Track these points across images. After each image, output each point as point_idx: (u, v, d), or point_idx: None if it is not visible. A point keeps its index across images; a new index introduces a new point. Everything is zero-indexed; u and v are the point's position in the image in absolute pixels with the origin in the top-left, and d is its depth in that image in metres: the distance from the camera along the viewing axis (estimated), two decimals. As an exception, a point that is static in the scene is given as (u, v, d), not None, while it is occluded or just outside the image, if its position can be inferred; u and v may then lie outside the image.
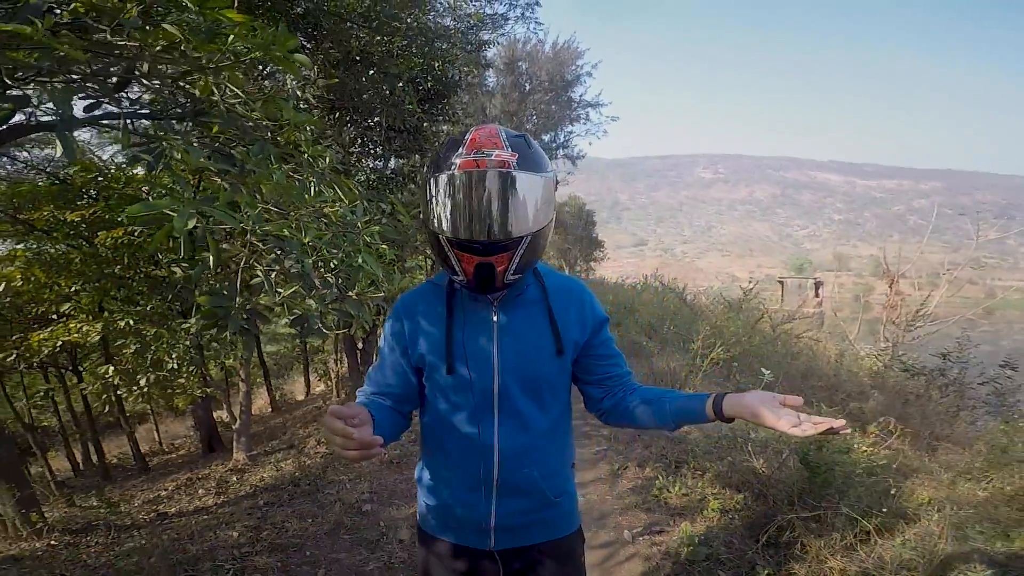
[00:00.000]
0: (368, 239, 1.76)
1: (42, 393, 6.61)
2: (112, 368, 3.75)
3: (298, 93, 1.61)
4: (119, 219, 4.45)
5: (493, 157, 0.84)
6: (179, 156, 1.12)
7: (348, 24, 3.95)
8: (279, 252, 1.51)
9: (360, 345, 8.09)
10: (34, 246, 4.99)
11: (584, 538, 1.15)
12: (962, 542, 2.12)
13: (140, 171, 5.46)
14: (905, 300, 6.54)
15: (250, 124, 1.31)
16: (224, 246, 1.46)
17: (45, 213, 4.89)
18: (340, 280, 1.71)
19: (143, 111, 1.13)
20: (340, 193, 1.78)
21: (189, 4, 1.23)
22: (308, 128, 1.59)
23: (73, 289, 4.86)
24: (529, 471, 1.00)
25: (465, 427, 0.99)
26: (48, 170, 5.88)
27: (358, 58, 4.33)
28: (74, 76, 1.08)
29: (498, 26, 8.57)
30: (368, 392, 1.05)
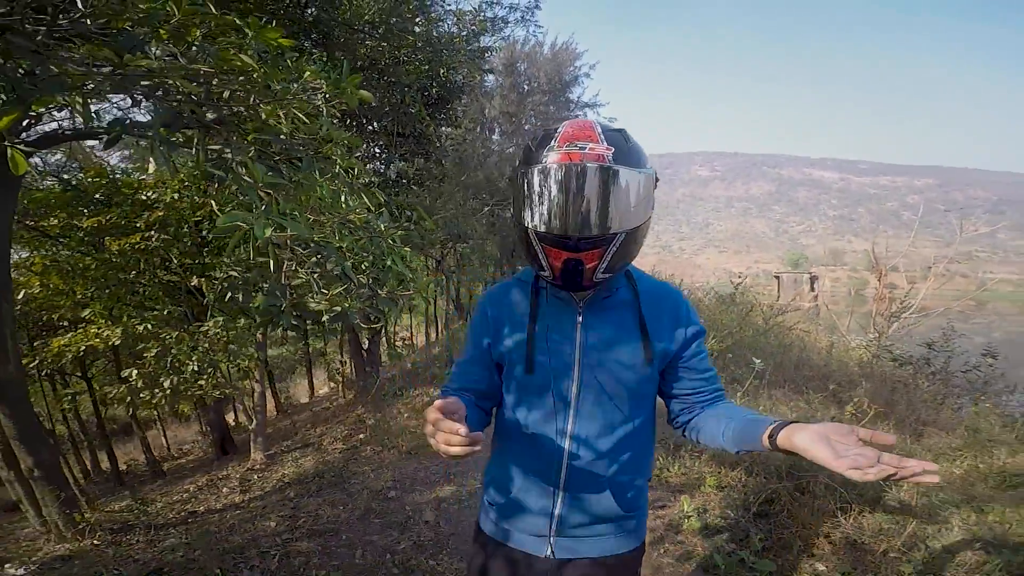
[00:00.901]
0: (391, 242, 1.95)
1: (69, 397, 6.74)
2: (136, 372, 3.91)
3: (324, 109, 1.79)
4: (136, 224, 4.62)
5: (588, 151, 0.81)
6: (244, 172, 1.30)
7: (359, 33, 4.13)
8: (319, 256, 1.69)
9: (366, 345, 8.24)
10: (51, 252, 5.12)
11: (645, 551, 1.08)
12: (934, 514, 2.31)
13: (146, 177, 5.63)
14: (893, 293, 6.76)
15: (297, 142, 1.49)
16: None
17: (59, 220, 5.04)
18: (370, 280, 1.90)
19: (215, 126, 1.29)
20: (368, 201, 1.97)
21: (248, 30, 1.42)
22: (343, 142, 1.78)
23: (87, 295, 5.01)
24: (600, 480, 0.96)
25: (539, 428, 0.96)
26: (62, 176, 6.01)
27: (367, 66, 4.51)
28: (159, 95, 1.25)
29: (498, 29, 8.75)
30: (453, 387, 1.04)
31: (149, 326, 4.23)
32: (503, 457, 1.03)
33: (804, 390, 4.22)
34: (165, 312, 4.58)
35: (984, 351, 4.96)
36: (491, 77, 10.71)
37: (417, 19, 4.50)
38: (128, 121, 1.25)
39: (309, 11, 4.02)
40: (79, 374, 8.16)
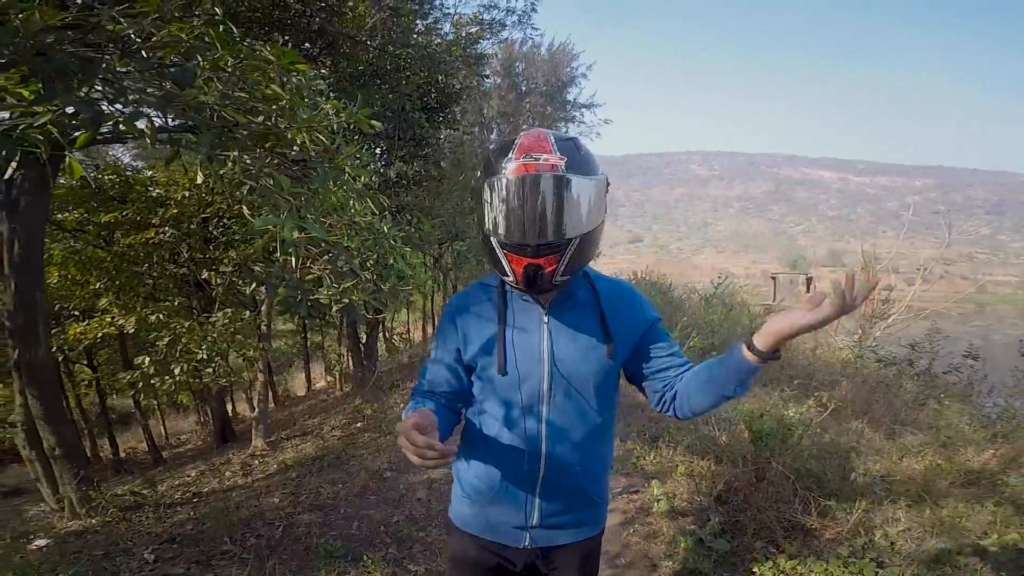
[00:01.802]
0: (392, 242, 2.19)
1: (86, 383, 6.95)
2: (148, 359, 4.14)
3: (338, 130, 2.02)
4: (151, 220, 4.86)
5: (542, 161, 0.86)
6: (272, 183, 1.53)
7: (361, 44, 4.35)
8: (330, 254, 1.93)
9: (363, 339, 8.46)
10: (69, 245, 5.34)
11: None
12: (885, 506, 2.50)
13: (155, 174, 5.84)
14: (881, 294, 6.97)
15: (313, 155, 1.72)
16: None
17: (77, 215, 5.27)
18: (374, 276, 2.14)
19: (249, 143, 1.53)
20: (373, 205, 2.20)
21: (271, 57, 1.65)
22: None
23: (101, 286, 5.25)
24: (574, 472, 1.01)
25: (513, 426, 1.00)
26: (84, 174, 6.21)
27: (369, 73, 4.73)
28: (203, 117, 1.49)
29: (495, 32, 8.95)
30: (423, 389, 1.08)
31: (161, 316, 4.48)
32: (476, 456, 1.07)
33: (785, 389, 4.44)
34: (175, 303, 4.82)
35: (965, 352, 5.14)
36: (488, 77, 10.91)
37: (416, 25, 4.71)
38: (184, 143, 1.49)
39: (315, 20, 4.23)
40: (85, 362, 8.39)
